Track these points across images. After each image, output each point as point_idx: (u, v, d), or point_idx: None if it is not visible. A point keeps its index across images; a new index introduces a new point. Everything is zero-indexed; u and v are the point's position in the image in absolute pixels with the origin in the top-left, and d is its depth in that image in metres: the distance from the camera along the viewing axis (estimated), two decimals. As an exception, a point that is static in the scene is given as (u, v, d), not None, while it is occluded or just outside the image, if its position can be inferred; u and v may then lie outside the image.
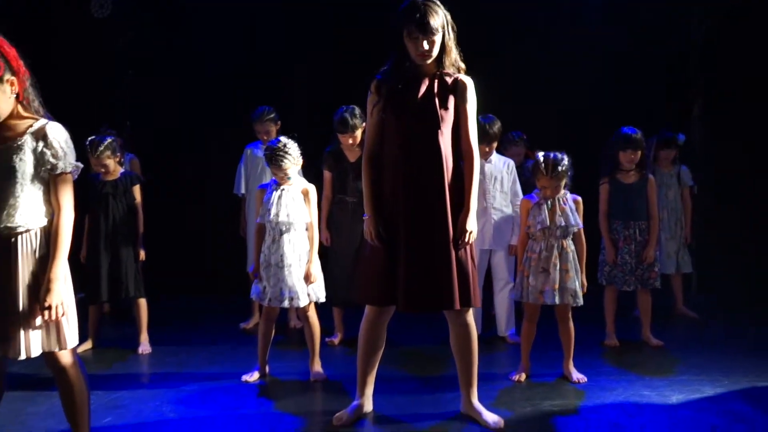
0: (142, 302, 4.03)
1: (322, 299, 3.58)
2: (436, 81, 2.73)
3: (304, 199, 3.52)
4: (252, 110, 4.63)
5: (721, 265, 5.54)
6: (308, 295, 3.48)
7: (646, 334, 4.18)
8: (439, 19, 2.64)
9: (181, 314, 5.06)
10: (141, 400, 3.19)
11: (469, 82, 2.76)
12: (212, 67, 5.55)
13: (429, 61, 2.70)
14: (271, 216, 3.43)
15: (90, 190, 3.90)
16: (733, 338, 4.25)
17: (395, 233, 2.72)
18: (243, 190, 4.71)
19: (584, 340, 3.90)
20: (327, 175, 4.23)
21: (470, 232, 2.72)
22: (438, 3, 2.68)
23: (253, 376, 3.50)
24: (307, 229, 3.53)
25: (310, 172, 4.06)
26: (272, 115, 4.56)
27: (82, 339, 3.88)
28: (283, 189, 3.48)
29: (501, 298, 4.29)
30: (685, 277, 5.16)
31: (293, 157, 3.44)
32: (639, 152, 4.15)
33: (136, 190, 4.00)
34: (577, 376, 3.42)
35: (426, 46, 2.64)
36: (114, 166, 3.95)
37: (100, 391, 3.25)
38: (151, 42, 5.58)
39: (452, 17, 2.72)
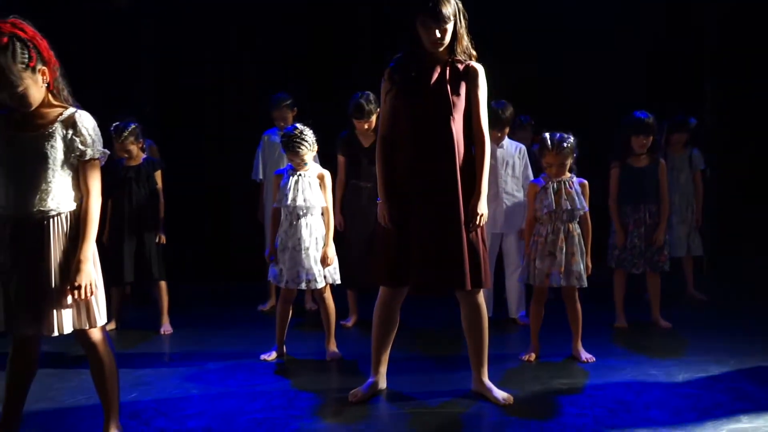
0: (164, 285, 4.17)
1: (338, 281, 3.68)
2: (448, 68, 2.80)
3: (320, 184, 3.61)
4: (270, 96, 4.73)
5: (733, 248, 5.59)
6: (324, 277, 3.59)
7: (656, 316, 4.25)
8: (451, 7, 2.71)
9: (201, 297, 5.22)
10: (164, 377, 3.34)
11: (480, 69, 2.83)
12: (229, 54, 5.64)
13: (441, 49, 2.77)
14: (289, 201, 3.53)
15: (113, 175, 4.02)
16: (741, 320, 4.31)
17: (408, 216, 2.81)
18: (261, 176, 4.82)
19: (595, 322, 3.99)
20: (341, 159, 4.33)
21: (481, 215, 2.80)
22: None
23: (272, 356, 3.63)
24: (323, 214, 3.64)
25: (326, 158, 4.16)
26: (288, 102, 4.65)
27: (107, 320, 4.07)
28: (299, 174, 3.57)
29: (512, 281, 4.38)
30: (696, 260, 5.21)
31: (309, 143, 3.54)
32: (651, 137, 4.19)
33: (158, 175, 4.12)
34: (585, 356, 3.51)
35: (438, 34, 2.71)
36: (137, 152, 4.08)
37: (124, 369, 3.33)
38: (169, 29, 5.69)
39: (464, 6, 2.79)
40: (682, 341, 3.89)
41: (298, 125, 3.62)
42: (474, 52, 2.85)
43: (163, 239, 4.14)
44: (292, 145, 3.52)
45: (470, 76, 2.80)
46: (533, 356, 3.55)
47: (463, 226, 2.77)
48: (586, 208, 3.50)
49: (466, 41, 2.81)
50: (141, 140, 4.08)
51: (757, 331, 4.01)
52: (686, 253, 5.04)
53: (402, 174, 2.83)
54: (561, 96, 5.54)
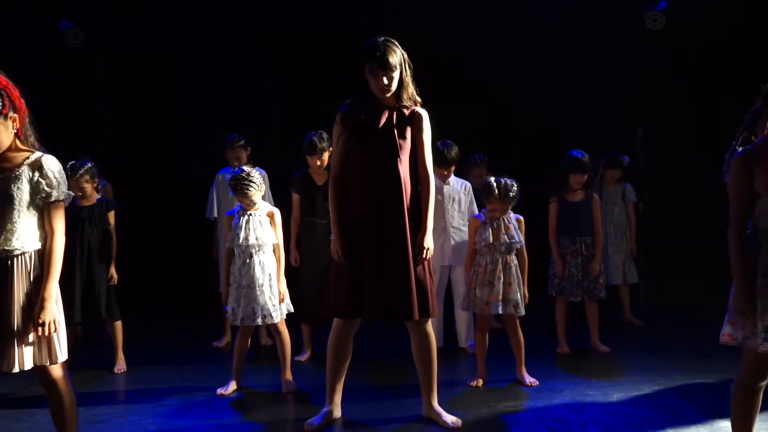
0: (118, 324, 4.19)
1: (292, 310, 3.81)
2: (395, 113, 3.03)
3: (270, 222, 3.75)
4: (224, 137, 4.87)
5: (668, 274, 5.95)
6: (279, 311, 3.71)
7: (595, 341, 4.50)
8: (397, 57, 2.95)
9: (155, 334, 5.22)
10: (121, 414, 3.37)
11: (424, 114, 3.06)
12: (186, 93, 5.77)
13: (388, 95, 3.00)
14: (241, 240, 3.66)
15: (67, 214, 4.04)
16: (673, 342, 4.60)
17: (360, 251, 2.98)
18: (215, 214, 4.92)
19: (539, 348, 4.23)
20: (296, 197, 4.47)
21: (428, 249, 3.00)
22: (396, 43, 2.99)
23: (228, 389, 3.70)
24: (274, 251, 3.77)
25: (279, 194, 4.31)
26: (242, 142, 4.80)
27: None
28: (250, 214, 3.71)
29: (460, 311, 4.57)
30: (633, 287, 5.54)
31: (257, 185, 3.68)
32: (586, 174, 4.51)
33: (111, 215, 4.16)
34: (529, 380, 3.71)
35: (386, 81, 2.94)
36: (91, 191, 4.12)
37: (80, 407, 3.31)
38: (124, 69, 5.78)
39: (417, 51, 3.04)
40: (618, 364, 4.15)
41: (245, 168, 3.78)
42: (419, 99, 3.09)
43: (115, 278, 4.16)
44: (240, 187, 3.65)
45: (415, 120, 3.03)
46: (480, 382, 3.73)
47: (410, 260, 2.96)
48: (523, 242, 3.75)
49: (411, 88, 3.04)
50: (96, 180, 4.14)
51: (687, 350, 4.30)
52: (622, 281, 5.36)
53: (353, 211, 3.01)
54: (510, 135, 5.87)
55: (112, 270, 4.13)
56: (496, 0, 5.94)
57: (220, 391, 3.69)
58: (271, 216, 3.76)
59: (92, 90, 5.76)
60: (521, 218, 3.81)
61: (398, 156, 2.98)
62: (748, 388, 2.36)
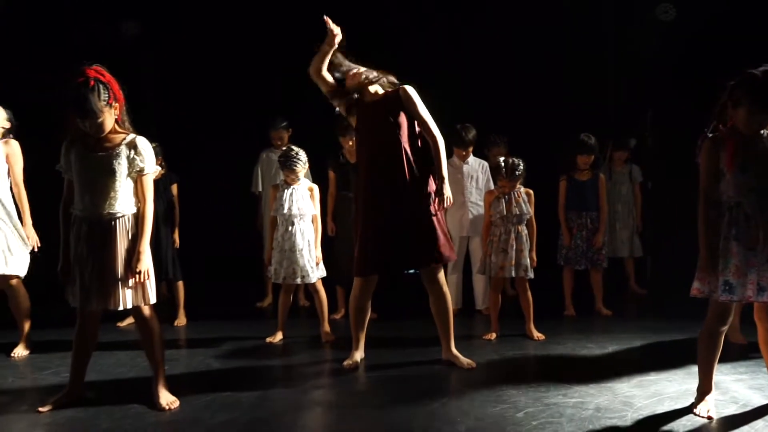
0: (180, 283, 4.81)
1: (325, 274, 4.39)
2: (384, 101, 3.54)
3: (310, 196, 4.32)
4: (266, 118, 5.42)
5: (671, 248, 6.39)
6: (316, 273, 4.29)
7: (599, 306, 5.02)
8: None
9: (209, 295, 5.84)
10: (190, 355, 3.99)
11: (409, 90, 3.51)
12: (231, 82, 6.31)
13: (369, 93, 3.53)
14: (285, 210, 4.23)
15: None
16: (671, 308, 5.07)
17: (379, 219, 3.49)
18: (260, 188, 5.51)
19: (548, 311, 4.74)
20: (332, 175, 5.02)
21: (447, 197, 3.47)
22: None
23: (276, 338, 4.31)
24: (312, 221, 4.34)
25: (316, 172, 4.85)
26: (285, 124, 5.36)
27: (125, 316, 4.69)
28: (293, 188, 4.28)
29: (477, 277, 5.12)
30: (639, 260, 6.01)
31: (303, 162, 4.24)
32: (592, 156, 4.99)
33: (174, 188, 4.78)
34: (536, 334, 4.25)
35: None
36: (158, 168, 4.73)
37: None
38: (171, 55, 6.33)
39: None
40: (618, 324, 4.66)
41: (294, 147, 4.33)
42: (395, 79, 3.56)
43: (177, 242, 4.78)
44: (289, 163, 4.22)
45: (403, 99, 3.50)
46: (493, 335, 4.28)
47: (419, 217, 3.45)
48: (531, 214, 4.27)
49: (383, 79, 3.55)
50: (160, 157, 4.73)
51: (681, 313, 4.74)
52: (628, 254, 5.85)
53: (370, 189, 3.52)
54: (527, 119, 6.30)
55: (176, 235, 4.74)
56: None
57: (268, 339, 4.30)
58: (311, 191, 4.32)
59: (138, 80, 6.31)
60: (531, 192, 4.32)
61: (398, 133, 3.45)
62: (712, 332, 2.87)
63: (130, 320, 4.79)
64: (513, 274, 4.21)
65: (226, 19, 6.32)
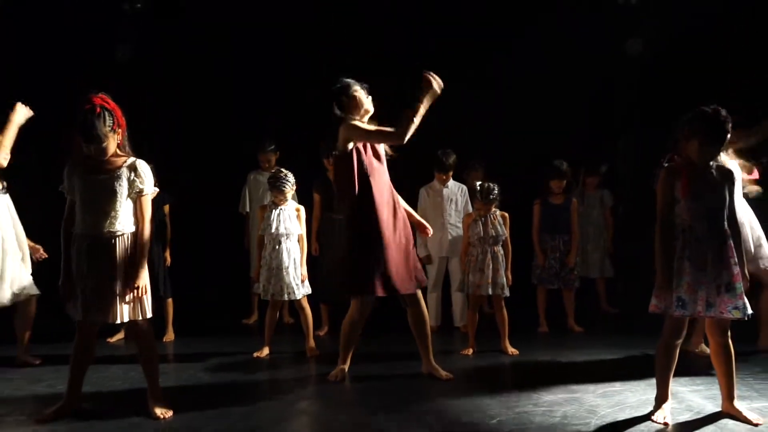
0: (169, 301, 4.97)
1: (309, 291, 4.60)
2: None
3: (297, 216, 4.55)
4: (253, 142, 5.65)
5: (642, 269, 6.68)
6: (301, 290, 4.49)
7: (571, 323, 5.28)
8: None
9: (196, 312, 5.99)
10: (179, 369, 4.16)
11: (347, 122, 3.63)
12: (219, 105, 6.54)
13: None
14: (273, 229, 4.45)
15: None
16: (640, 325, 5.24)
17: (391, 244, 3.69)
18: (247, 209, 5.71)
19: (522, 328, 4.98)
20: (316, 197, 5.25)
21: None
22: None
23: (263, 353, 4.49)
24: (298, 240, 4.55)
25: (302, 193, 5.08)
26: (272, 147, 5.60)
27: (115, 332, 4.85)
28: (281, 208, 4.50)
29: (456, 295, 5.35)
30: (609, 280, 6.28)
31: (291, 184, 4.48)
32: (564, 181, 5.29)
33: (166, 208, 4.97)
34: (511, 350, 4.49)
35: None
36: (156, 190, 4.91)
37: (139, 365, 4.16)
38: (162, 77, 6.53)
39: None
40: (589, 340, 4.92)
41: (283, 170, 4.55)
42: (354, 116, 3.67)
43: (169, 261, 4.96)
44: (279, 185, 4.44)
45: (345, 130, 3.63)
46: (470, 351, 4.51)
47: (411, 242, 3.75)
48: (507, 236, 4.54)
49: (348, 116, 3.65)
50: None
51: (650, 330, 5.01)
52: (600, 274, 6.13)
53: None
54: (507, 142, 6.57)
55: (167, 254, 4.92)
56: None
57: (256, 354, 4.48)
58: (297, 211, 4.55)
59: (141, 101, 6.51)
60: (506, 215, 4.59)
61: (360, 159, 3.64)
62: (668, 345, 3.12)
63: (119, 336, 4.95)
64: (490, 291, 4.46)
65: (216, 41, 6.54)
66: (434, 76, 3.50)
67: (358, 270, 3.66)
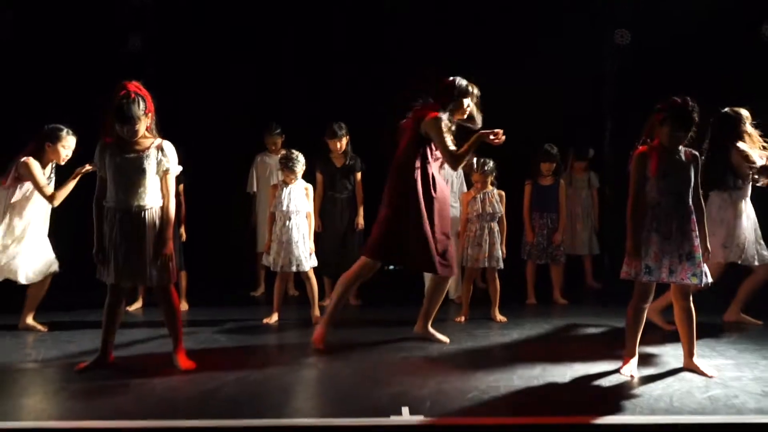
0: (183, 273, 5.34)
1: (315, 264, 4.96)
2: None
3: (305, 194, 4.91)
4: (260, 124, 5.98)
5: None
6: (309, 262, 4.87)
7: (556, 296, 5.67)
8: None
9: (206, 285, 6.34)
10: (197, 332, 4.54)
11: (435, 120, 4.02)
12: (228, 88, 6.84)
13: None
14: (284, 207, 4.82)
15: None
16: (621, 298, 5.71)
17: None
18: (254, 189, 6.06)
19: (514, 299, 5.37)
20: (319, 176, 5.59)
21: None
22: None
23: (272, 319, 4.88)
24: (306, 216, 4.92)
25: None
26: (279, 130, 5.93)
27: (132, 302, 5.24)
28: (291, 187, 4.86)
29: (452, 270, 5.73)
30: (596, 257, 6.67)
31: (301, 165, 4.84)
32: (554, 163, 5.65)
33: (180, 187, 5.29)
34: (499, 317, 4.89)
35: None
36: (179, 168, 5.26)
37: (158, 328, 4.54)
38: (174, 56, 6.82)
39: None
40: (572, 310, 5.32)
41: (294, 151, 4.89)
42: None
43: (184, 236, 5.33)
44: (290, 165, 4.80)
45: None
46: (463, 318, 4.91)
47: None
48: (503, 212, 4.91)
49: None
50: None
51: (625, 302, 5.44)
52: (587, 252, 6.51)
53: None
54: (500, 127, 6.86)
55: (182, 230, 5.29)
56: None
57: (265, 320, 4.87)
58: (306, 189, 4.92)
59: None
60: (503, 193, 4.99)
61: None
62: (637, 309, 3.52)
63: (137, 304, 5.33)
64: (486, 264, 4.85)
65: (224, 26, 6.78)
66: (501, 137, 3.95)
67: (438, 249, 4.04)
